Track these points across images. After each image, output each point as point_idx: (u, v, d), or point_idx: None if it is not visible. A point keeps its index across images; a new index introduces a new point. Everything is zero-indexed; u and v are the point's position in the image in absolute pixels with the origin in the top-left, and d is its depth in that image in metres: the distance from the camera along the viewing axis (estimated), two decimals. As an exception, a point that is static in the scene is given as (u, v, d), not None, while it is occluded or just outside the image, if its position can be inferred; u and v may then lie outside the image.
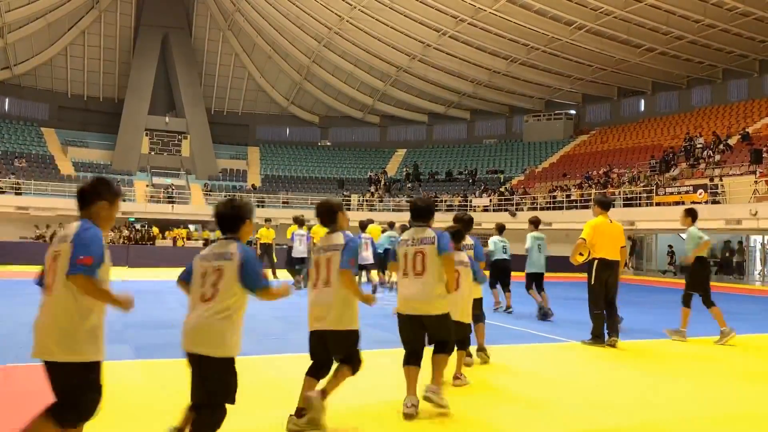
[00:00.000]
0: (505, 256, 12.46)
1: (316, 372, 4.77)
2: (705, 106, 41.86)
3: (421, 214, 5.53)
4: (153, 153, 47.61)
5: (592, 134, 46.65)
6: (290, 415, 4.47)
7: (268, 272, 18.64)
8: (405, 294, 5.27)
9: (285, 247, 17.22)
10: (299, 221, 16.49)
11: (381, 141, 55.36)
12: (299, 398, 4.50)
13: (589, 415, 4.91)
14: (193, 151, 47.73)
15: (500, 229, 13.12)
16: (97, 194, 3.80)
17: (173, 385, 5.36)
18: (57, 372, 3.59)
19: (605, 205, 8.76)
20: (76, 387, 3.58)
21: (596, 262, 8.36)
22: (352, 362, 4.72)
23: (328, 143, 55.56)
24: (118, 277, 17.42)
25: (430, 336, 5.25)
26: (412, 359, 5.14)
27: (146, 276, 18.41)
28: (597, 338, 8.31)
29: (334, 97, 53.44)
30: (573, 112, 49.35)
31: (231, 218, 4.15)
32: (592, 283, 8.40)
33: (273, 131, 55.32)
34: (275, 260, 18.34)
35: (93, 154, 46.31)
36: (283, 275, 18.37)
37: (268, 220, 20.15)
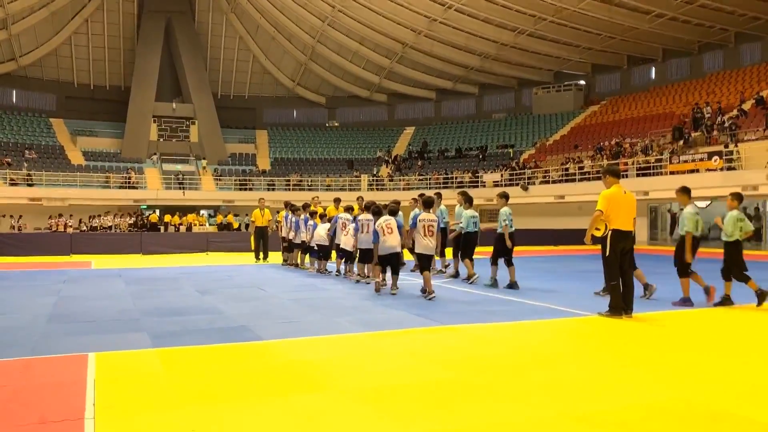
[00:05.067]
0: (475, 229, 12.64)
1: None
2: (717, 71, 41.17)
3: (428, 205, 10.75)
4: (162, 140, 47.58)
5: (603, 104, 46.08)
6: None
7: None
8: (424, 244, 10.41)
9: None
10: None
11: (389, 119, 55.01)
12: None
13: (599, 393, 4.82)
14: (202, 137, 47.65)
15: (470, 200, 12.88)
16: None
17: (194, 374, 5.31)
18: None
19: (616, 174, 8.60)
20: None
21: (611, 233, 8.22)
22: None
23: (336, 124, 55.30)
24: (132, 264, 17.48)
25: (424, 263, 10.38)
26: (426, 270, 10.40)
27: (161, 263, 18.42)
28: (614, 310, 8.20)
29: (340, 76, 53.05)
30: (582, 82, 48.73)
31: None
32: (607, 254, 8.26)
33: (280, 113, 55.11)
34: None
35: (102, 143, 46.38)
36: (276, 258, 18.32)
37: (261, 199, 19.88)
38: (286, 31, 50.43)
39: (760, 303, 9.13)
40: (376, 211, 11.42)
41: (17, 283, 12.63)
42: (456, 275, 13.33)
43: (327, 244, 13.88)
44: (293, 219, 15.86)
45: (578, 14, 39.38)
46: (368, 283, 11.74)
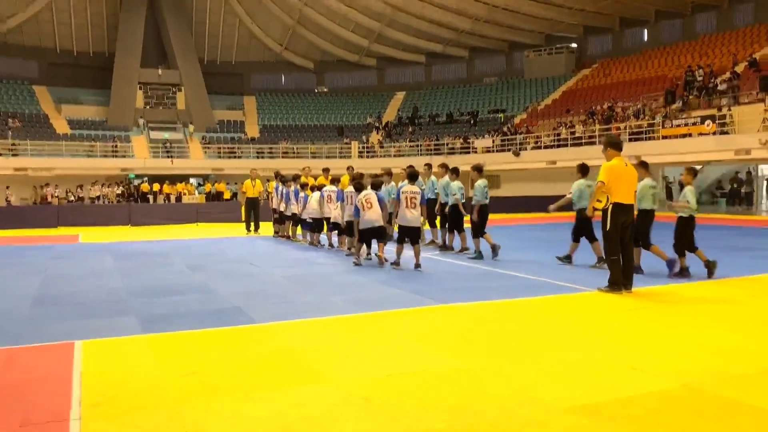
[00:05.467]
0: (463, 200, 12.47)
1: None
2: (710, 33, 40.70)
3: (412, 177, 11.17)
4: (148, 107, 46.78)
5: (594, 68, 45.57)
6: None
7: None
8: (408, 216, 10.65)
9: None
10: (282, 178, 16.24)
11: (379, 84, 54.28)
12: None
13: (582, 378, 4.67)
14: (189, 103, 46.87)
15: (456, 171, 12.62)
16: None
17: (185, 365, 5.10)
18: None
19: (618, 146, 8.31)
20: None
21: (612, 206, 8.01)
22: None
23: (325, 89, 54.54)
24: (121, 238, 17.18)
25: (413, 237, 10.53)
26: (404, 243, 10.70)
27: (150, 236, 18.14)
28: (614, 285, 8.04)
29: (328, 40, 52.14)
30: (574, 45, 48.10)
31: None
32: (608, 228, 8.06)
33: (268, 79, 54.24)
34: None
35: (87, 111, 45.53)
36: (268, 229, 18.05)
37: (252, 170, 19.47)
38: (273, -6, 49.36)
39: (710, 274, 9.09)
40: (357, 187, 11.21)
41: (3, 260, 12.34)
42: (444, 248, 13.07)
43: (319, 216, 13.64)
44: (284, 190, 15.57)
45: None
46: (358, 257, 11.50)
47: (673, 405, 4.03)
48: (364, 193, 10.96)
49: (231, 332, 6.16)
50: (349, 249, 12.46)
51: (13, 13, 45.77)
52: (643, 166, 9.65)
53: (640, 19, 44.25)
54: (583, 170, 10.71)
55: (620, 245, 8.17)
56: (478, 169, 12.02)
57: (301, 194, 14.62)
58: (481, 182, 11.67)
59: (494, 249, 11.44)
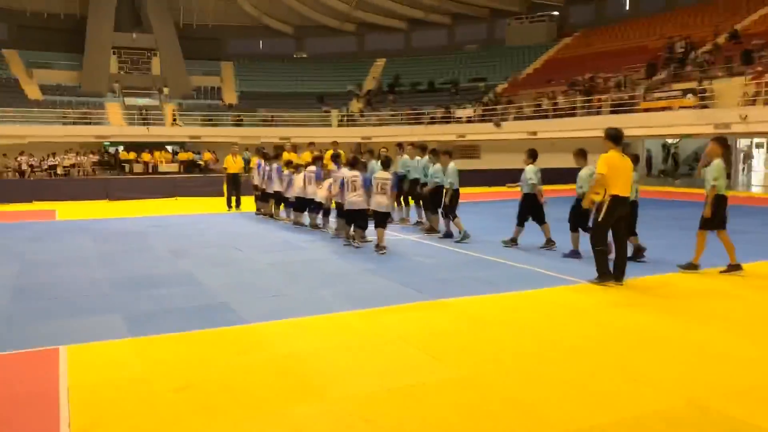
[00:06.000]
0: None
1: None
2: (691, 4, 40.55)
3: (386, 165, 11.05)
4: (122, 72, 45.66)
5: (576, 36, 45.31)
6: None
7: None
8: (377, 201, 10.71)
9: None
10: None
11: (359, 51, 53.50)
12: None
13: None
14: (164, 69, 45.80)
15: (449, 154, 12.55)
16: None
17: (176, 376, 4.95)
18: None
19: (617, 139, 8.17)
20: None
21: (610, 198, 7.93)
22: None
23: (304, 55, 53.64)
24: (98, 215, 16.82)
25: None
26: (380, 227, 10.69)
27: (129, 212, 17.78)
28: (603, 276, 8.04)
29: (308, 5, 51.10)
30: (556, 13, 47.74)
31: None
32: (600, 219, 7.99)
33: (246, 44, 53.10)
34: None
35: (60, 76, 44.27)
36: (248, 205, 17.80)
37: (234, 145, 19.20)
38: (251, -44, 48.08)
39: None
40: (352, 163, 11.33)
41: (-23, 242, 12.01)
42: (431, 230, 12.91)
43: (304, 196, 13.45)
44: (266, 168, 15.30)
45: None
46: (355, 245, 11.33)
47: (680, 428, 3.98)
48: (352, 173, 10.91)
49: (220, 335, 6.00)
50: (337, 231, 12.32)
51: (-21, -27, 44.15)
52: (581, 154, 9.84)
53: (623, -12, 43.94)
54: (533, 155, 10.80)
55: (614, 237, 8.17)
56: (448, 153, 12.03)
57: (285, 172, 14.37)
58: (453, 165, 11.66)
59: (464, 236, 11.53)
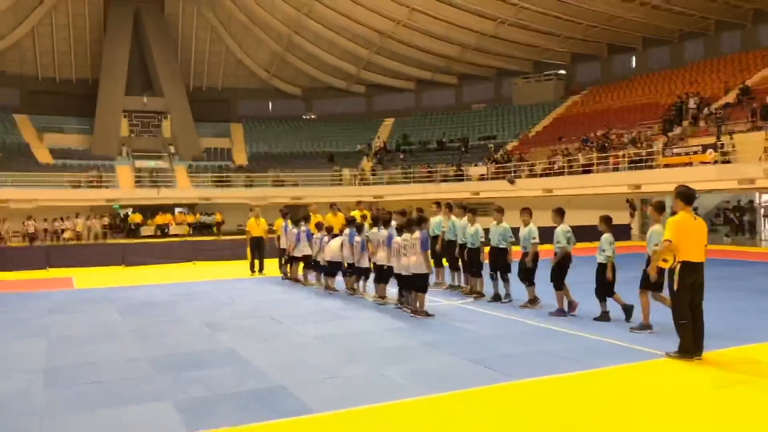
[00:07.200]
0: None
1: None
2: (698, 60, 40.87)
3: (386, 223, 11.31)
4: (133, 135, 45.77)
5: (584, 94, 45.55)
6: None
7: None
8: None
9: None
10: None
11: (367, 111, 53.85)
12: None
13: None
14: (175, 131, 45.92)
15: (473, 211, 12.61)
16: None
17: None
18: None
19: (690, 198, 7.61)
20: None
21: (680, 265, 7.31)
22: None
23: (313, 116, 53.95)
24: (116, 282, 16.17)
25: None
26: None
27: (148, 279, 17.18)
28: (685, 352, 7.35)
29: (316, 67, 51.69)
30: (563, 72, 48.15)
31: None
32: (676, 288, 7.38)
33: (255, 106, 53.51)
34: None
35: (70, 140, 44.38)
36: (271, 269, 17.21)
37: (252, 210, 18.67)
38: (261, 21, 48.88)
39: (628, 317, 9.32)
40: (378, 223, 11.68)
41: (-3, 315, 11.38)
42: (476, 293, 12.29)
43: (339, 260, 12.87)
44: (294, 231, 14.76)
45: (560, 2, 38.83)
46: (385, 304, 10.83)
47: None
48: (381, 233, 11.20)
49: (290, 428, 5.34)
50: (373, 295, 11.82)
51: (-7, 41, 44.76)
52: (558, 213, 10.04)
53: (628, 46, 44.43)
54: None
55: (689, 306, 7.51)
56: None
57: (316, 235, 13.83)
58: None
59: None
